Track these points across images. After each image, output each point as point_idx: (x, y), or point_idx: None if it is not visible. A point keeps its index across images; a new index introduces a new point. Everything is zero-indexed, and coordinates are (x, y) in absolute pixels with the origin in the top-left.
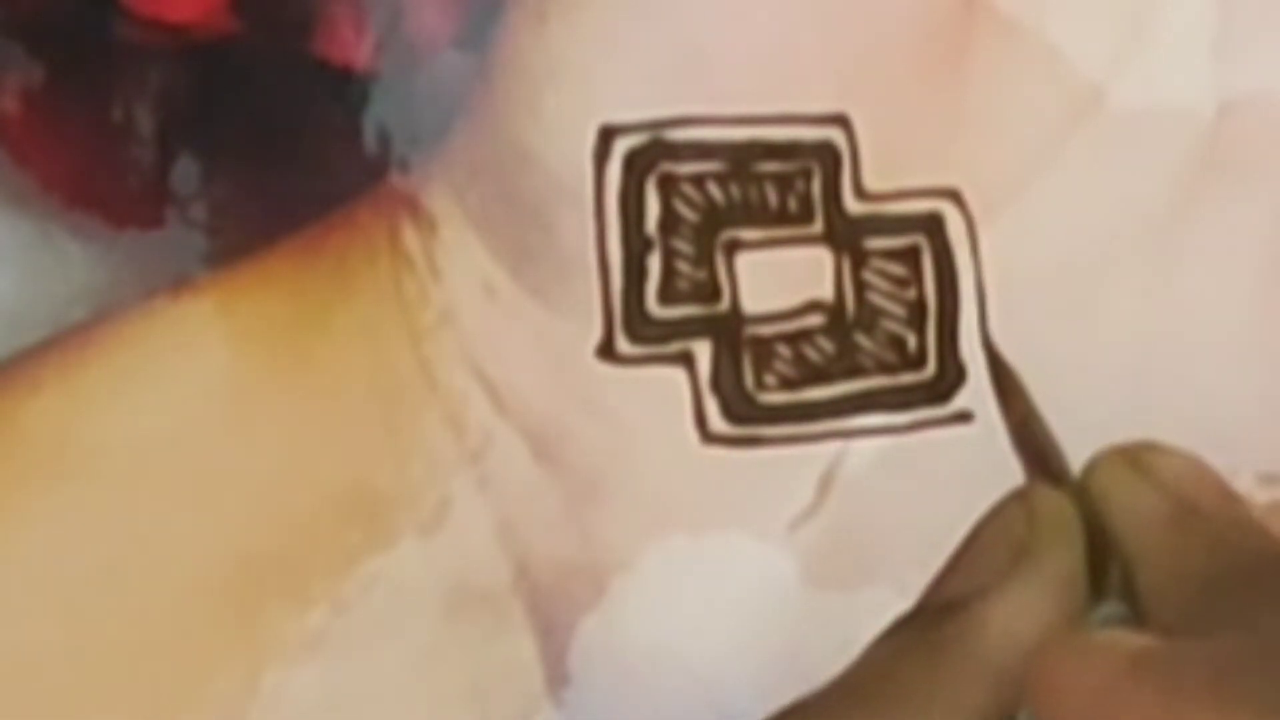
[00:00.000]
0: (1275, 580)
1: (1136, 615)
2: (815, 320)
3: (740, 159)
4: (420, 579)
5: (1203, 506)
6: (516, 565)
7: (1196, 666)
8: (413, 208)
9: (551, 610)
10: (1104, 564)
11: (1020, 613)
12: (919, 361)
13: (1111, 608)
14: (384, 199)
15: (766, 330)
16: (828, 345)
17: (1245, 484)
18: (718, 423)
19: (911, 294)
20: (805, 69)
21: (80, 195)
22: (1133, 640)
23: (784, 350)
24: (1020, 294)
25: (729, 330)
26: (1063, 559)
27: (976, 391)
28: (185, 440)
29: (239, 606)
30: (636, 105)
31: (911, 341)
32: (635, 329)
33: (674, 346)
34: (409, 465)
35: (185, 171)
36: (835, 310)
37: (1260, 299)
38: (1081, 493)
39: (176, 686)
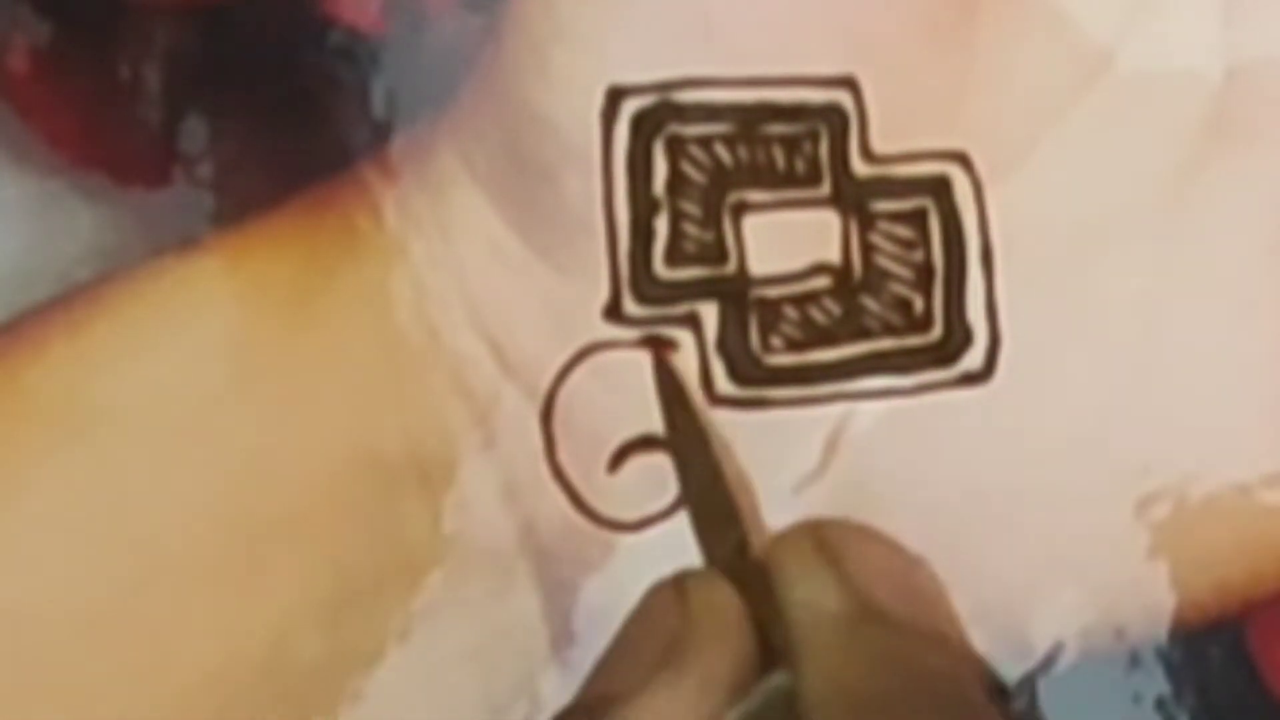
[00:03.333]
0: (936, 706)
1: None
2: (822, 282)
3: (748, 121)
4: (426, 539)
5: (881, 608)
6: (522, 526)
7: None
8: (420, 168)
9: (557, 570)
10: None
11: (668, 714)
12: (925, 324)
13: (781, 678)
14: (391, 159)
15: (773, 292)
16: (834, 307)
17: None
18: (724, 384)
19: (918, 256)
20: (813, 31)
21: (87, 154)
22: None
23: (790, 312)
24: (1027, 257)
25: (736, 292)
26: (713, 658)
27: (983, 354)
28: (191, 399)
29: (243, 566)
30: (645, 66)
31: (918, 304)
32: (642, 290)
33: (680, 308)
34: (415, 426)
35: (192, 130)
36: (842, 273)
37: (1267, 262)
38: (760, 572)
39: (181, 646)
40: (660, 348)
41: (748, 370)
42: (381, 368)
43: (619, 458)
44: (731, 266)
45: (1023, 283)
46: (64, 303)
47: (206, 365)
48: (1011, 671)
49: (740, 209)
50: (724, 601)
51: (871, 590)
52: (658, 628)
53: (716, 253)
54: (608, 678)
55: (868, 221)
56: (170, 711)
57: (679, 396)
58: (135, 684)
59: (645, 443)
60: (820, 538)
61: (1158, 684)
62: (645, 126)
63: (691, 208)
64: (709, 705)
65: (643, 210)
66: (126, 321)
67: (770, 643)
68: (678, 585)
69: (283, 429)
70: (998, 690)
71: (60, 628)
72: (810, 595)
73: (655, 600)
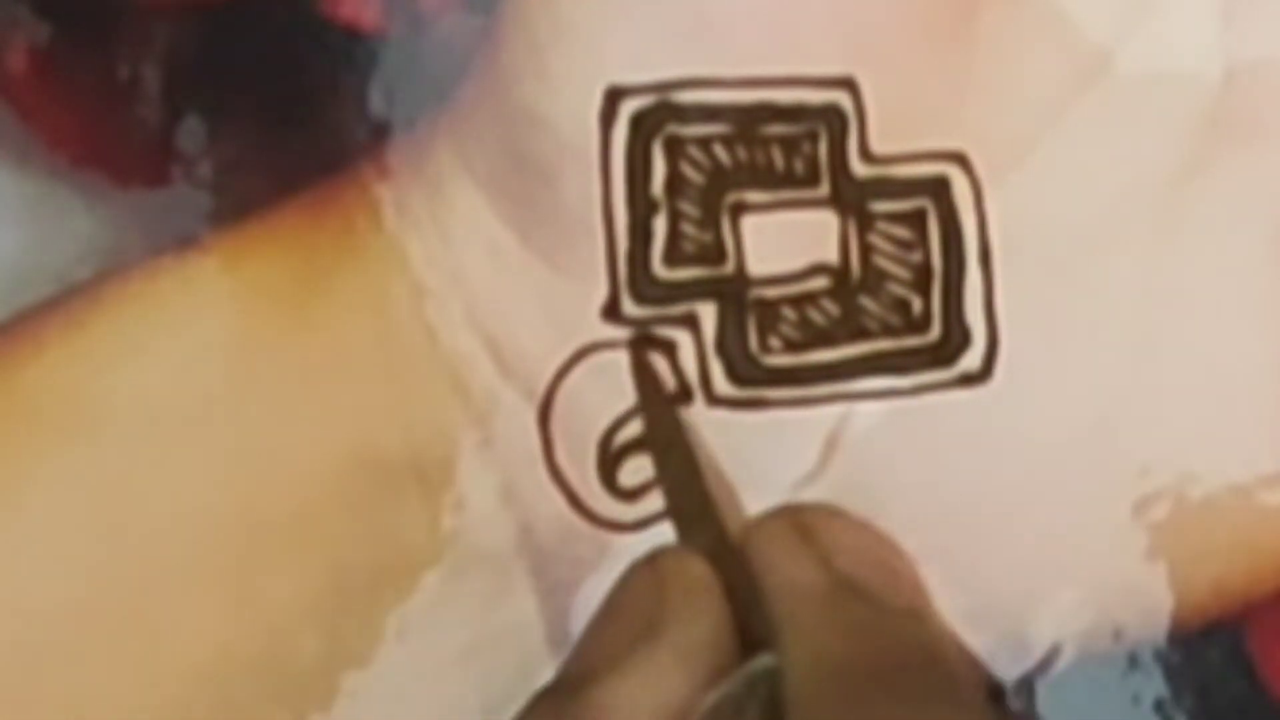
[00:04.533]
0: (915, 679)
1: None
2: (820, 283)
3: (747, 121)
4: (424, 539)
5: (859, 583)
6: (520, 526)
7: None
8: (419, 168)
9: (554, 571)
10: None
11: (644, 689)
12: (924, 325)
13: (764, 661)
14: (390, 159)
15: (772, 293)
16: (833, 308)
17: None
18: (722, 385)
19: (917, 257)
20: (812, 31)
21: (86, 153)
22: None
23: (789, 313)
24: (1026, 257)
25: (734, 292)
26: (689, 629)
27: (982, 354)
28: (189, 399)
29: (240, 565)
30: (643, 67)
31: (917, 305)
32: (640, 291)
33: (679, 308)
34: (413, 426)
35: (191, 130)
36: (840, 273)
37: (1266, 264)
38: (739, 557)
39: (178, 644)
40: (639, 346)
41: (746, 371)
42: (380, 367)
43: (617, 458)
44: (730, 267)
45: (1022, 283)
46: (63, 303)
47: (205, 365)
48: (1010, 672)
49: (739, 209)
50: (698, 575)
51: (848, 567)
52: (634, 604)
53: (715, 253)
54: (586, 655)
55: (866, 222)
56: (168, 709)
57: (655, 392)
58: (133, 682)
59: (644, 443)
60: (795, 520)
61: (1156, 685)
62: (644, 127)
63: (690, 208)
64: (687, 675)
65: (641, 210)
66: (125, 321)
67: (750, 629)
68: (652, 562)
69: (281, 429)
70: (993, 688)
71: (59, 626)
72: (789, 574)
73: (631, 578)
